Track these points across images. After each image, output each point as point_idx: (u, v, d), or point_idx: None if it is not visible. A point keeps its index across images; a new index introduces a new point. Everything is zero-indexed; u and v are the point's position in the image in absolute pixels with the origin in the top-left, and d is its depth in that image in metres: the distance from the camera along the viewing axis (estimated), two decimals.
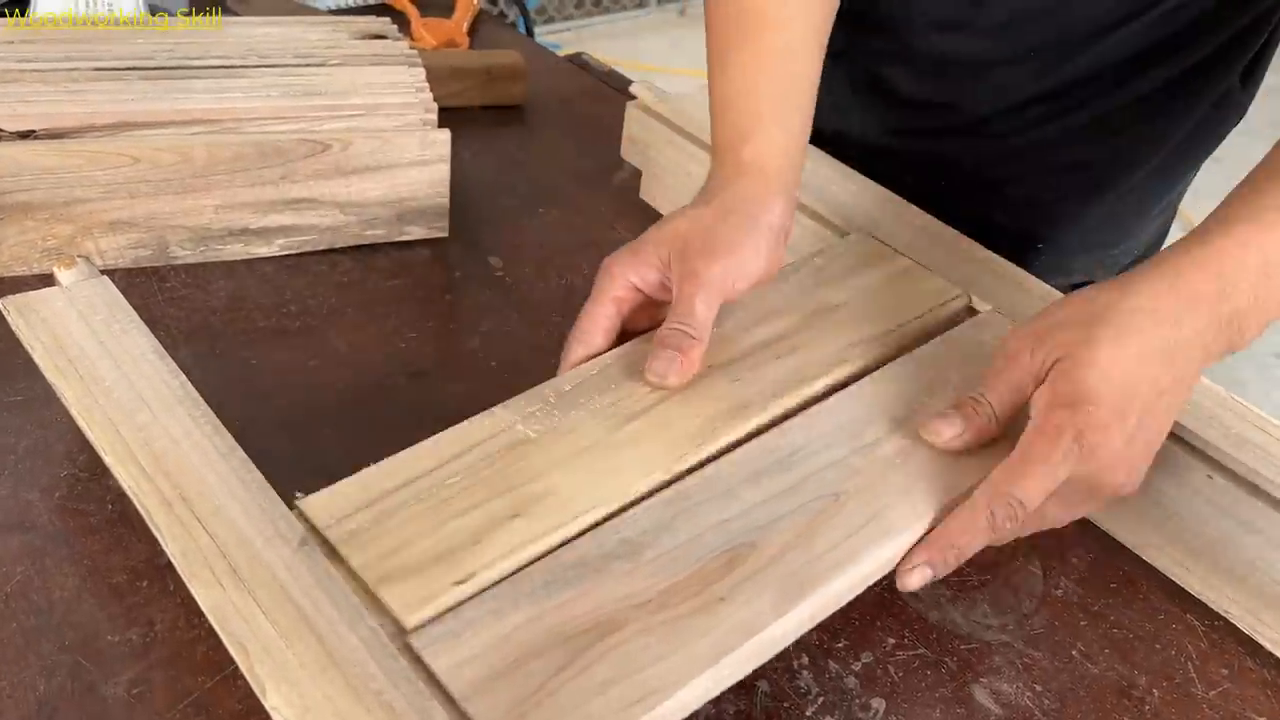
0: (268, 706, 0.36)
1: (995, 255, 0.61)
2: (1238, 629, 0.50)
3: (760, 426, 0.49)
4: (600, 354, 0.52)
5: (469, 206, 0.75)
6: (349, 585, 0.40)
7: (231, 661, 0.43)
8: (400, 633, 0.39)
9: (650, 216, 0.76)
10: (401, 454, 0.45)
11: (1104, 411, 0.44)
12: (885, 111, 0.76)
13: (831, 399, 0.50)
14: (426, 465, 0.45)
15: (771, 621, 0.40)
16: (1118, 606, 0.51)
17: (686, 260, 0.51)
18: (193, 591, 0.39)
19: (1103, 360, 0.44)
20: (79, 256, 0.53)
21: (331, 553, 0.41)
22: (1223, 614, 0.50)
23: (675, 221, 0.53)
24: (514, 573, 0.41)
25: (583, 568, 0.42)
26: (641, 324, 0.54)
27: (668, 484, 0.46)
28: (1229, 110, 0.71)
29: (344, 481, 0.44)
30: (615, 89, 0.93)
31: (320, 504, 0.43)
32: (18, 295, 0.50)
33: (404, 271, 0.68)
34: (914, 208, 0.65)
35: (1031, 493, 0.44)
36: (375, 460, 0.45)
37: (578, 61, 0.99)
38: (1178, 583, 0.52)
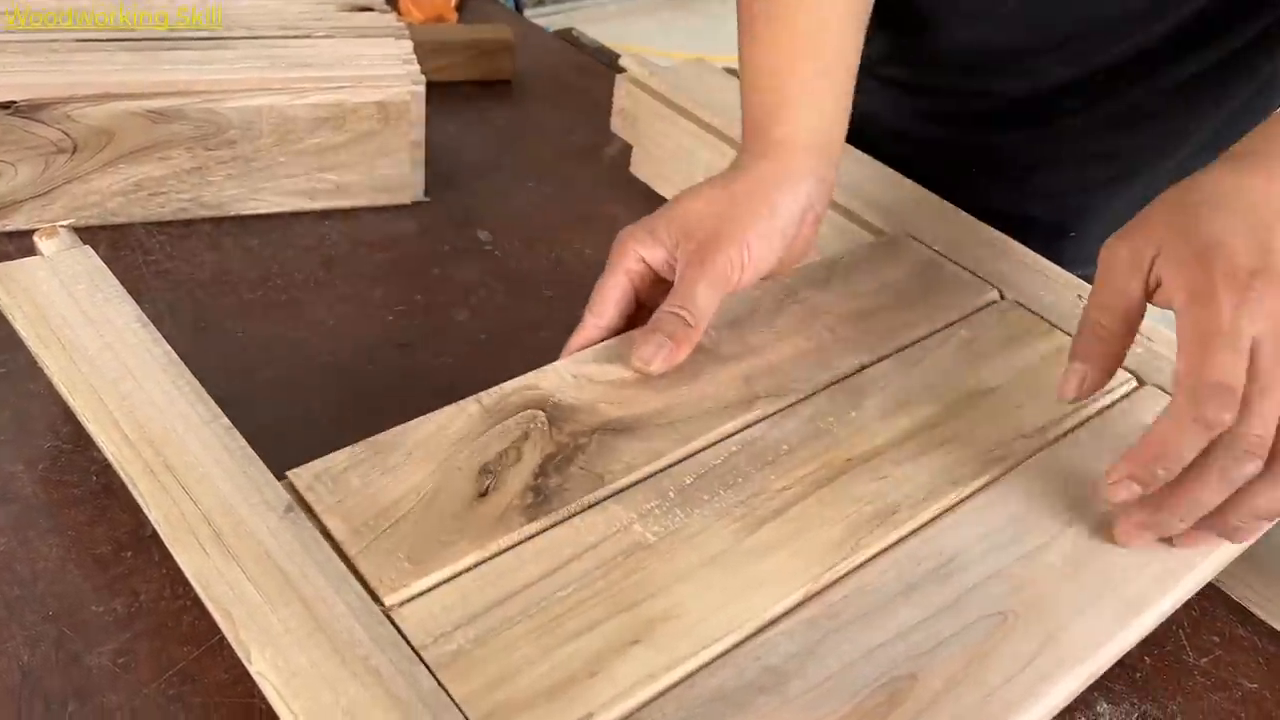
0: (253, 672, 0.35)
1: (1039, 257, 0.60)
2: (1228, 597, 0.50)
3: (909, 534, 0.43)
4: (614, 329, 0.51)
5: (457, 180, 0.74)
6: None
7: (217, 632, 0.42)
8: None
9: (640, 191, 0.76)
10: (506, 555, 0.40)
11: (1243, 243, 0.39)
12: (915, 99, 0.75)
13: (984, 494, 0.45)
14: (534, 572, 0.40)
15: None
16: None
17: (693, 243, 0.50)
18: (176, 558, 0.38)
19: (1212, 205, 0.40)
20: (60, 226, 0.52)
21: (432, 677, 0.36)
22: (1214, 581, 0.50)
23: (690, 200, 0.51)
24: (638, 709, 0.36)
25: (723, 703, 0.36)
26: (659, 301, 0.50)
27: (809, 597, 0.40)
28: (1269, 98, 0.70)
29: (442, 588, 0.38)
30: (605, 64, 0.93)
31: (417, 617, 0.38)
32: None
33: (391, 245, 0.68)
34: (950, 205, 0.63)
35: (1227, 367, 0.37)
36: (362, 433, 0.44)
37: (567, 37, 0.99)
38: None
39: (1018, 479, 0.46)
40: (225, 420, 0.43)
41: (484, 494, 0.42)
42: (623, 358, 0.49)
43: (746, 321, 0.52)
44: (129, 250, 0.64)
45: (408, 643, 0.36)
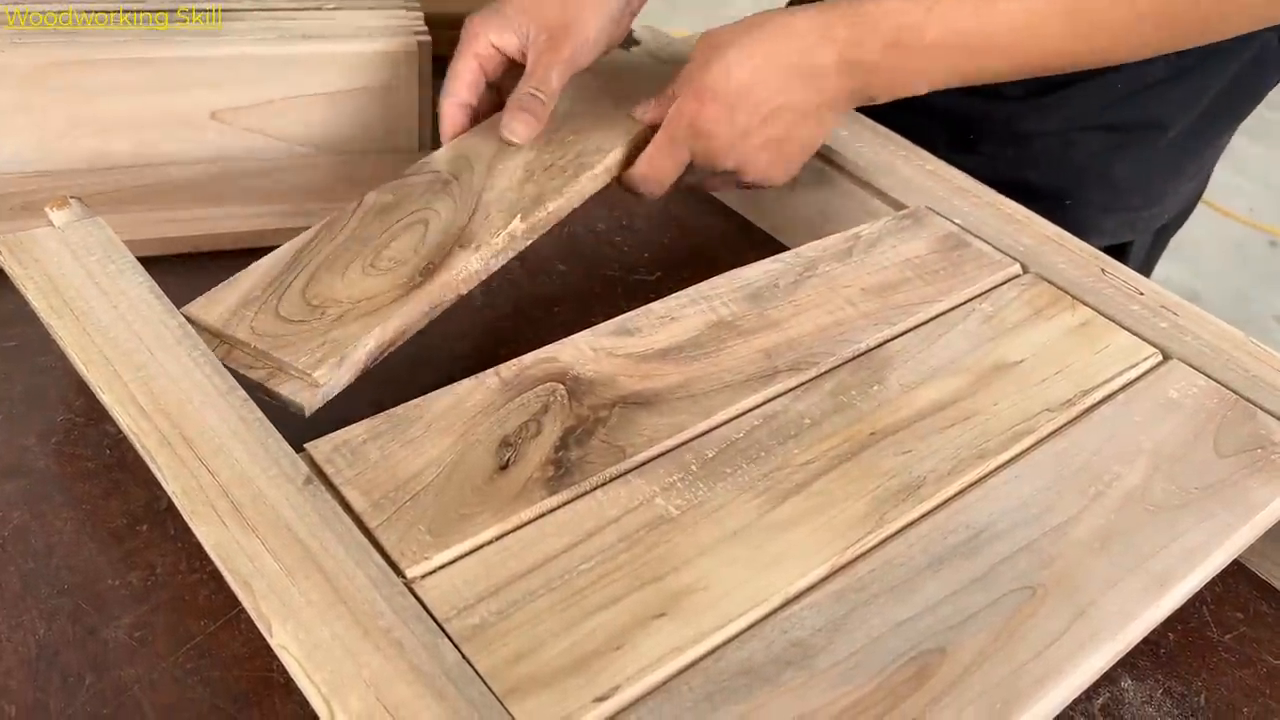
0: (274, 645, 0.35)
1: (1062, 230, 0.60)
2: (1253, 574, 0.50)
3: (935, 508, 0.43)
4: (467, 104, 0.60)
5: None
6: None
7: (234, 605, 0.42)
8: None
9: None
10: (528, 528, 0.40)
11: (717, 105, 0.55)
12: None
13: (1010, 469, 0.45)
14: (557, 545, 0.40)
15: None
16: None
17: (545, 33, 0.58)
18: (195, 530, 0.38)
19: (727, 60, 0.55)
20: (72, 197, 0.52)
21: (455, 650, 0.36)
22: (1239, 559, 0.50)
23: None
24: (664, 683, 0.36)
25: (749, 676, 0.36)
26: (510, 83, 0.59)
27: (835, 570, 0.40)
28: (1267, 68, 0.70)
29: (465, 561, 0.39)
30: None
31: (439, 590, 0.37)
32: (9, 235, 0.49)
33: None
34: (970, 178, 0.63)
35: (659, 168, 0.58)
36: (378, 409, 0.44)
37: None
38: None
39: (1044, 453, 0.45)
40: (242, 393, 0.43)
41: (504, 467, 0.42)
42: (641, 331, 0.49)
43: (766, 295, 0.52)
44: None
45: (430, 615, 0.37)
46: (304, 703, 0.39)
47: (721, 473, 0.43)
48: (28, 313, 0.47)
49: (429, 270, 0.51)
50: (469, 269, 0.51)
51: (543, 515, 0.41)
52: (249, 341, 0.45)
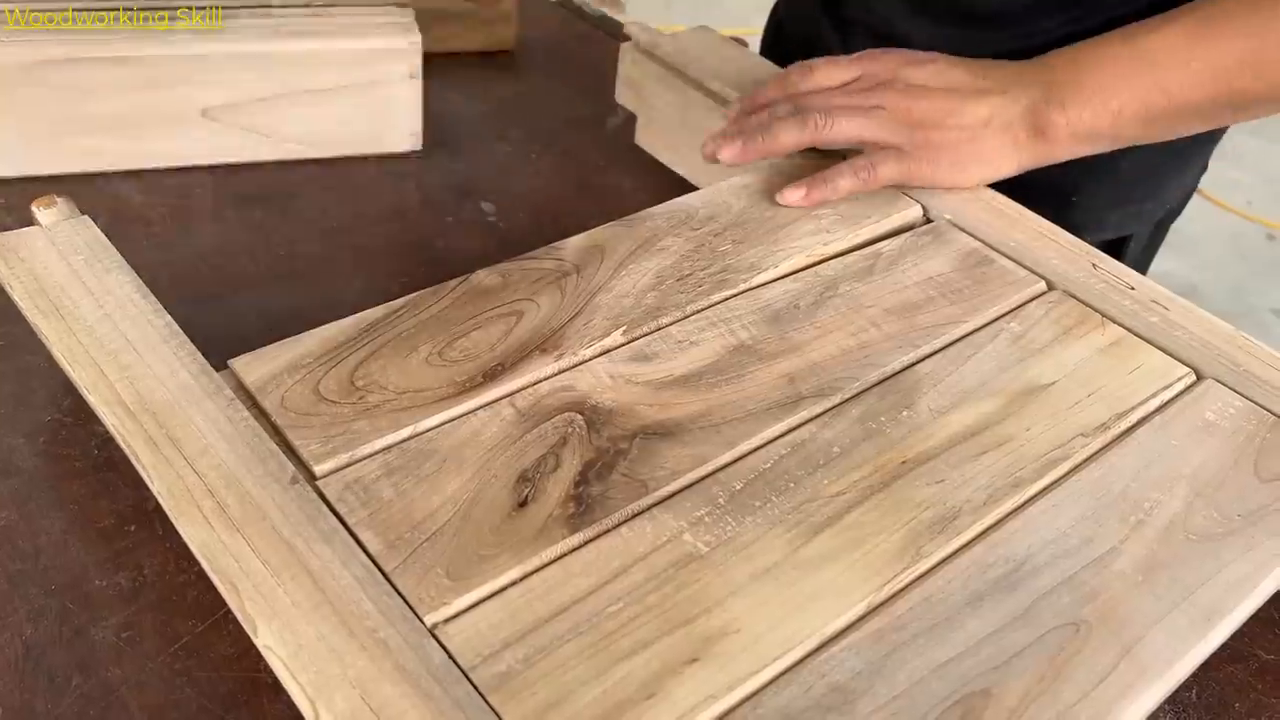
0: (259, 645, 0.35)
1: (1088, 245, 0.58)
2: None
3: (972, 540, 0.42)
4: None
5: (460, 151, 0.74)
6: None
7: (222, 606, 0.42)
8: None
9: (644, 160, 0.75)
10: (551, 569, 0.39)
11: (898, 57, 0.60)
12: None
13: (1047, 497, 0.43)
14: (582, 586, 0.38)
15: None
16: None
17: None
18: (180, 531, 0.38)
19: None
20: (59, 197, 0.51)
21: (481, 700, 0.35)
22: None
23: None
24: None
25: None
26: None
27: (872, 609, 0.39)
28: None
29: (487, 604, 0.37)
30: (607, 34, 0.92)
31: (462, 636, 0.36)
32: None
33: (395, 217, 0.67)
34: (988, 190, 0.62)
35: (819, 77, 0.61)
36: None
37: (569, 6, 0.97)
38: None
39: (1080, 481, 0.44)
40: (229, 393, 0.43)
41: (523, 504, 0.41)
42: (659, 356, 0.48)
43: (786, 316, 0.51)
44: (128, 223, 0.63)
45: (455, 663, 0.35)
46: (292, 703, 0.39)
47: (750, 506, 0.42)
48: (13, 312, 0.47)
49: (494, 372, 0.46)
50: (537, 378, 0.46)
51: (565, 555, 0.39)
52: (271, 414, 0.43)
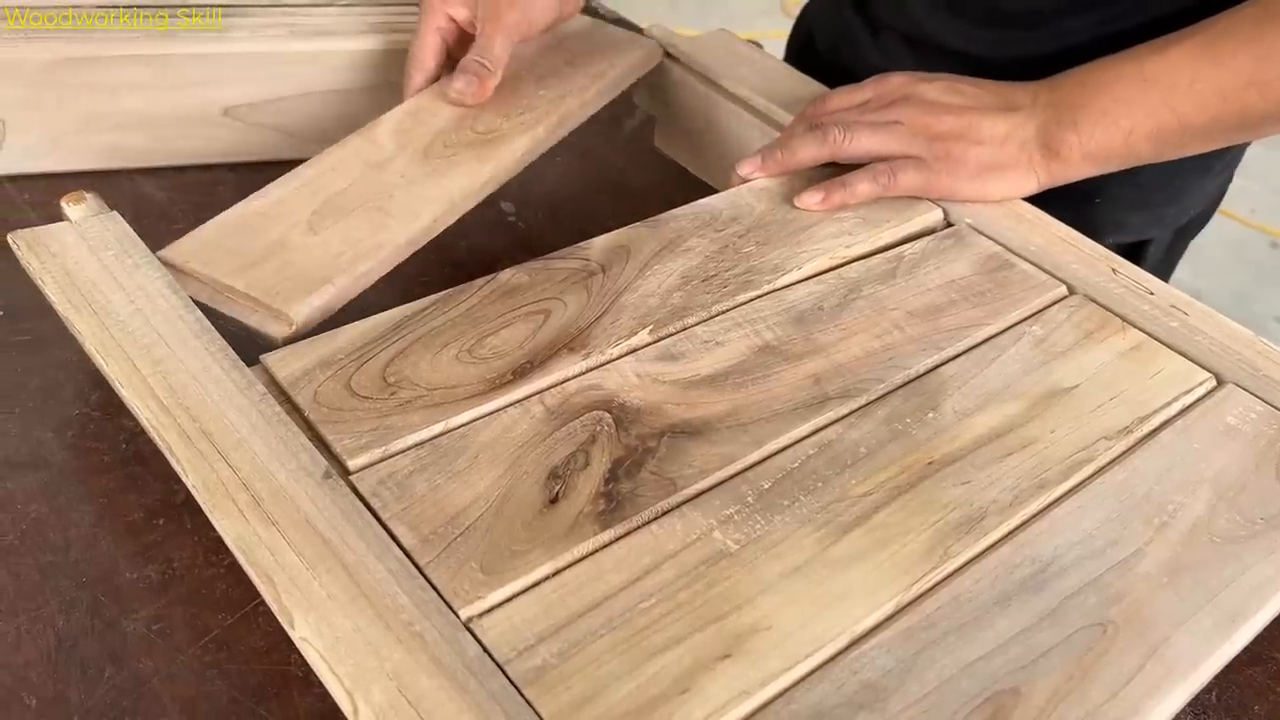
0: (296, 638, 0.35)
1: (1108, 250, 0.59)
2: None
3: (999, 541, 0.43)
4: (434, 77, 0.64)
5: None
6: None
7: (251, 599, 0.43)
8: None
9: (664, 163, 0.75)
10: (583, 564, 0.39)
11: (907, 75, 0.62)
12: (940, 64, 0.75)
13: (1072, 499, 0.44)
14: (615, 582, 0.39)
15: None
16: None
17: (490, 3, 0.63)
18: (215, 524, 0.39)
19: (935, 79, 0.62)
20: (87, 192, 0.52)
21: (518, 694, 0.35)
22: None
23: None
24: None
25: None
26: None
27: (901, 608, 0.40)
28: None
29: (520, 599, 0.38)
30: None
31: (497, 630, 0.37)
32: (26, 230, 0.50)
33: None
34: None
35: (834, 103, 0.63)
36: None
37: (587, 7, 0.98)
38: None
39: (1104, 483, 0.45)
40: (260, 388, 0.43)
41: (554, 500, 0.42)
42: (686, 356, 0.49)
43: (811, 318, 0.52)
44: (152, 220, 0.63)
45: (490, 656, 0.36)
46: (322, 696, 0.40)
47: (779, 505, 0.42)
48: (42, 307, 0.48)
49: (523, 370, 0.47)
50: (565, 376, 0.47)
51: (597, 551, 0.40)
52: (304, 409, 0.44)
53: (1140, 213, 0.75)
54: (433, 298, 0.50)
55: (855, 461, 0.45)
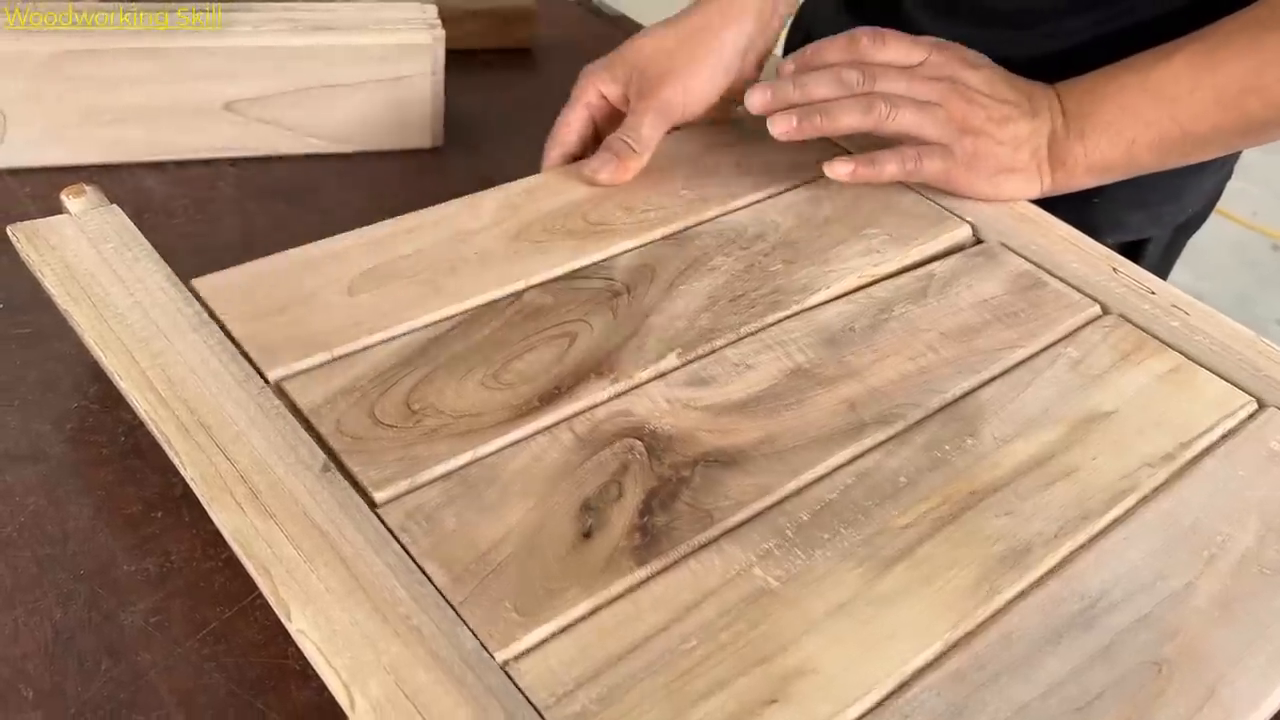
0: (292, 630, 0.36)
1: (1139, 268, 0.58)
2: None
3: (1046, 575, 0.42)
4: (575, 155, 0.60)
5: (480, 148, 0.74)
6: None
7: (249, 593, 0.43)
8: None
9: None
10: (621, 603, 0.38)
11: (959, 56, 0.59)
12: None
13: (1117, 531, 0.43)
14: (654, 621, 0.38)
15: None
16: None
17: (645, 80, 0.59)
18: (213, 516, 0.39)
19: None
20: (87, 185, 0.52)
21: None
22: None
23: (642, 40, 0.60)
24: None
25: None
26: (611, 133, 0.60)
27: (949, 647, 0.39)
28: None
29: (558, 640, 0.37)
30: (626, 33, 0.92)
31: (535, 674, 0.36)
32: (25, 223, 0.50)
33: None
34: (1033, 207, 0.62)
35: (893, 51, 0.58)
36: None
37: (587, 4, 0.98)
38: None
39: (1149, 512, 0.44)
40: (259, 380, 0.43)
41: (588, 534, 0.41)
42: (716, 380, 0.48)
43: (842, 339, 0.51)
44: (152, 213, 0.63)
45: (528, 700, 0.35)
46: (320, 689, 0.40)
47: (819, 538, 0.41)
48: (41, 300, 0.48)
49: (551, 396, 0.46)
50: (594, 402, 0.46)
51: (634, 588, 0.39)
52: (327, 439, 0.42)
53: (1139, 212, 0.75)
54: (453, 320, 0.49)
55: (895, 492, 0.44)
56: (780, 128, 0.57)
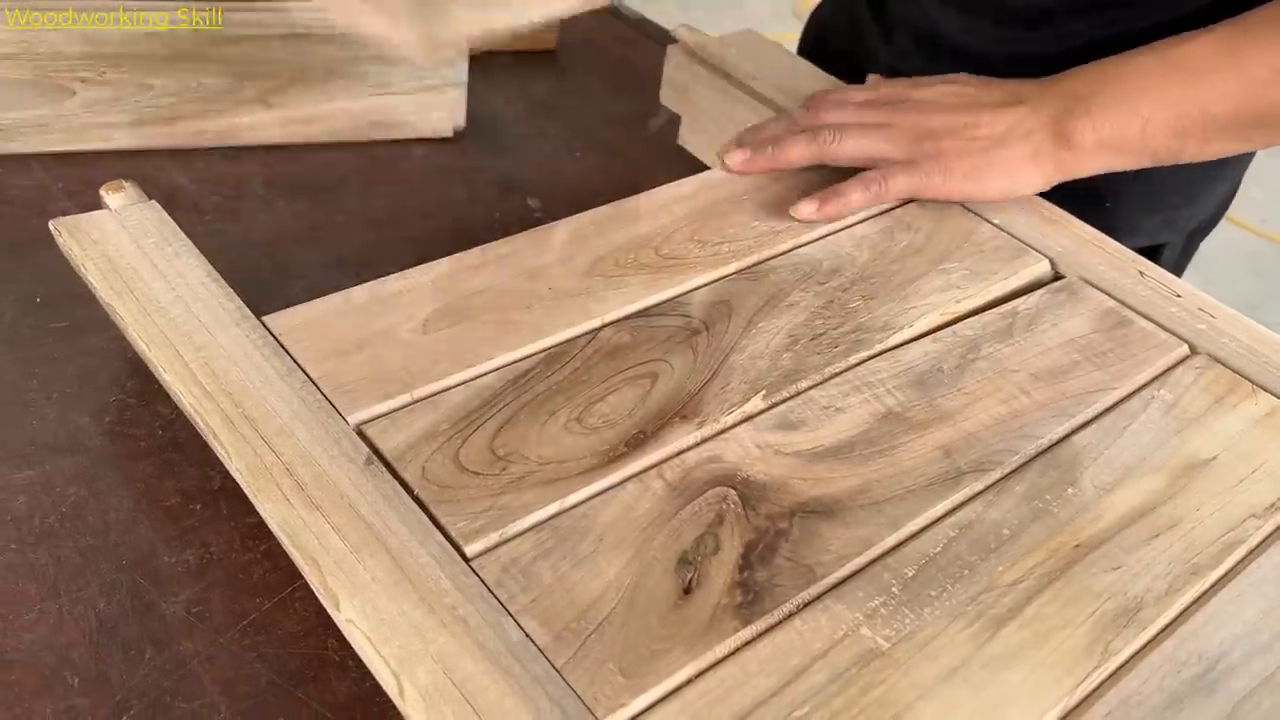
0: (341, 621, 0.36)
1: (1229, 308, 0.57)
2: None
3: (1160, 634, 0.40)
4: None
5: (504, 149, 0.75)
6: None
7: (288, 584, 0.44)
8: None
9: (687, 160, 0.76)
10: (727, 665, 0.37)
11: (906, 81, 0.62)
12: (949, 63, 0.75)
13: (1229, 587, 0.42)
14: (764, 687, 0.37)
15: None
16: None
17: None
18: (259, 508, 0.39)
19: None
20: (126, 182, 0.52)
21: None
22: None
23: None
24: None
25: None
26: None
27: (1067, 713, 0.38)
28: None
29: (665, 705, 0.35)
30: (647, 36, 0.93)
31: None
32: (67, 217, 0.51)
33: (441, 210, 0.68)
34: (1095, 233, 0.61)
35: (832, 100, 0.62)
36: None
37: (610, 8, 0.99)
38: None
39: (1260, 567, 0.43)
40: (302, 375, 0.44)
41: (688, 590, 0.39)
42: (806, 424, 0.46)
43: (931, 380, 0.50)
44: (182, 211, 0.64)
45: None
46: (359, 679, 0.41)
47: (926, 596, 0.40)
48: (78, 295, 0.49)
49: (636, 441, 0.44)
50: (682, 447, 0.45)
51: (739, 649, 0.38)
52: (414, 488, 0.41)
53: (1154, 216, 0.75)
54: (532, 360, 0.48)
55: (999, 545, 0.42)
56: (734, 160, 0.61)
